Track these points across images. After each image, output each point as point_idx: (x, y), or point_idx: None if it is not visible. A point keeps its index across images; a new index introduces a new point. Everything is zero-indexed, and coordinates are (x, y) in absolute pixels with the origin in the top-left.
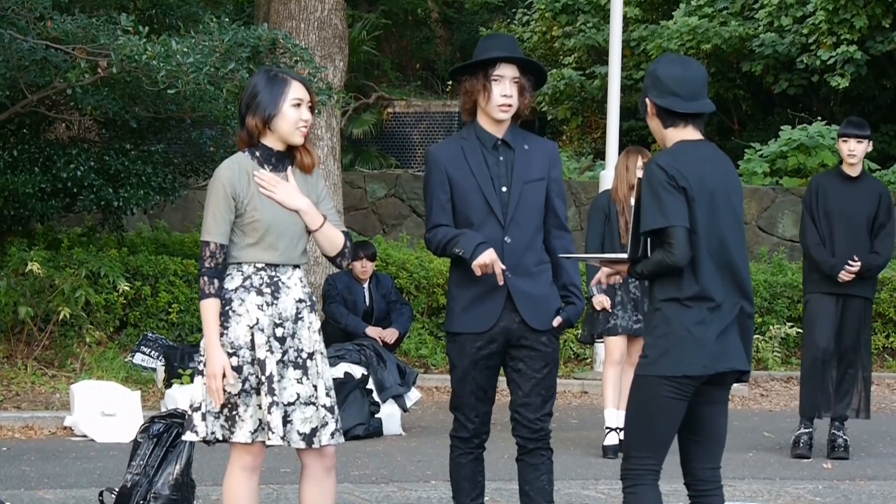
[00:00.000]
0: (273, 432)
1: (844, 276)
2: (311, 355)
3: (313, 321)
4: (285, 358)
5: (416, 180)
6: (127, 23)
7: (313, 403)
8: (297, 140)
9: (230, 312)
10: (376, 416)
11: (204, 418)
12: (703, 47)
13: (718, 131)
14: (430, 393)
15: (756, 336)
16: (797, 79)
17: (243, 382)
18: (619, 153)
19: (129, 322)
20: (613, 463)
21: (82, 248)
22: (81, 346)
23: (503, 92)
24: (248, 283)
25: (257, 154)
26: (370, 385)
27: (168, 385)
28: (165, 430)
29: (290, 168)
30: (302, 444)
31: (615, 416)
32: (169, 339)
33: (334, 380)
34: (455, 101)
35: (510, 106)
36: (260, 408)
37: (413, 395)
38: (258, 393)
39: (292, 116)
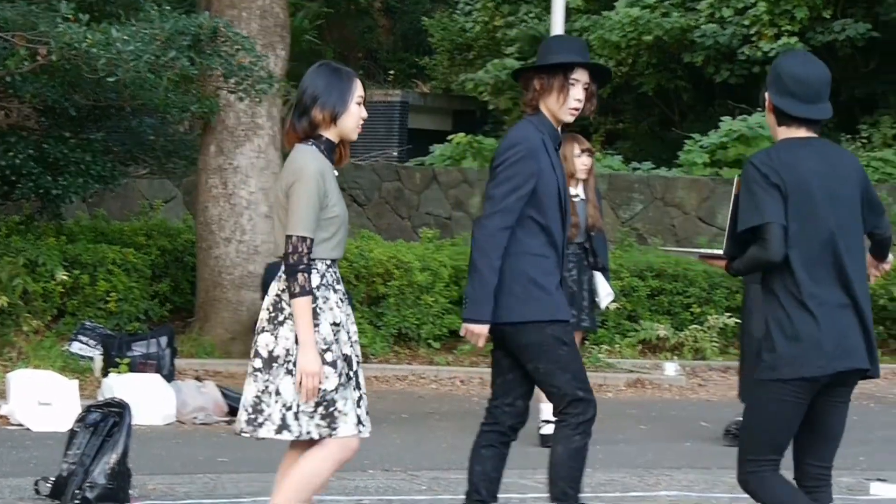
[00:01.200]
0: (364, 425)
1: None
2: (353, 344)
3: (350, 312)
4: (355, 349)
5: (357, 170)
6: (67, 10)
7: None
8: (355, 136)
9: (317, 310)
10: None
11: (297, 417)
12: (645, 38)
13: (659, 122)
14: (368, 382)
15: (694, 326)
16: (738, 70)
17: (339, 377)
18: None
19: (67, 311)
20: (541, 454)
21: (20, 236)
22: (19, 335)
23: (577, 96)
24: (325, 280)
25: (322, 148)
26: None
27: (105, 374)
28: (102, 420)
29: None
30: (367, 433)
31: (550, 409)
32: (107, 328)
33: None
34: (397, 91)
35: (579, 110)
36: (354, 402)
37: None
38: (352, 387)
39: (356, 113)
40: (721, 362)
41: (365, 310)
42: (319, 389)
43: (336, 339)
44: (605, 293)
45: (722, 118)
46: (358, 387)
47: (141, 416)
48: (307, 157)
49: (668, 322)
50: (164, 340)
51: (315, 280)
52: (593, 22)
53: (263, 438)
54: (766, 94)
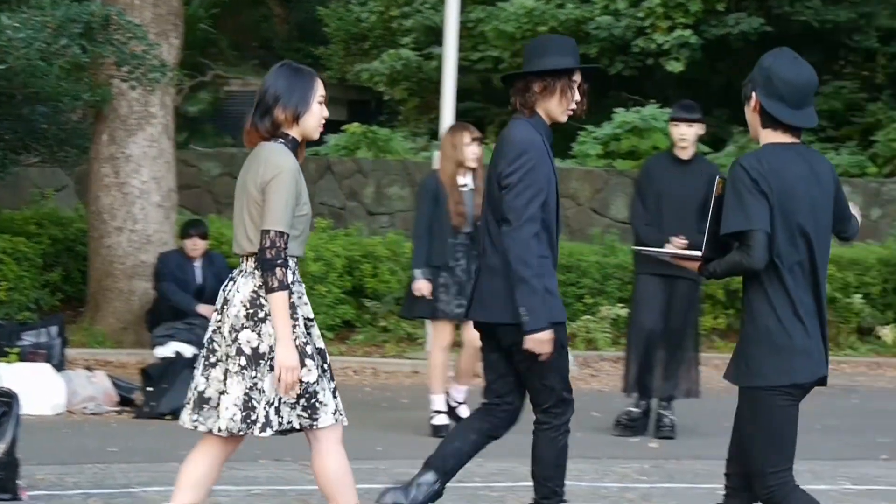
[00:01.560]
0: (342, 414)
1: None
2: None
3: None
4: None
5: None
6: None
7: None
8: (317, 136)
9: (293, 305)
10: None
11: (278, 412)
12: (540, 29)
13: None
14: None
15: (587, 317)
16: (632, 62)
17: (319, 369)
18: (445, 133)
19: None
20: (431, 443)
21: None
22: None
23: (576, 98)
24: (294, 277)
25: (289, 147)
26: None
27: None
28: None
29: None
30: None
31: (442, 400)
32: None
33: (164, 359)
34: None
35: (575, 110)
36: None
37: None
38: (328, 378)
39: (318, 113)
40: (613, 353)
41: None
42: (301, 382)
43: (309, 333)
44: None
45: (615, 110)
46: (332, 378)
47: (30, 405)
48: (283, 154)
49: None
50: (54, 330)
51: (289, 277)
52: (488, 13)
53: (261, 437)
54: (752, 93)
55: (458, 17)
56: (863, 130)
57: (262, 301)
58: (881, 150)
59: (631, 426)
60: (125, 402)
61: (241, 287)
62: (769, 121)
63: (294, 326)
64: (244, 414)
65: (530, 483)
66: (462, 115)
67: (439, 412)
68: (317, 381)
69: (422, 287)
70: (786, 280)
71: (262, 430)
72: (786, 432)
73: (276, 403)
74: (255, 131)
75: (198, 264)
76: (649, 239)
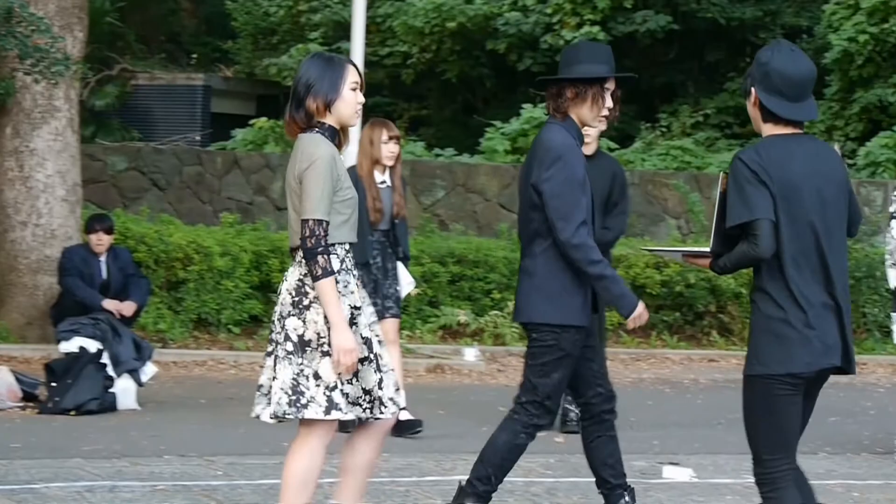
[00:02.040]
0: (386, 406)
1: None
2: (370, 325)
3: (365, 295)
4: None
5: (158, 153)
6: None
7: (392, 369)
8: (355, 121)
9: (340, 292)
10: (110, 390)
11: (346, 395)
12: (449, 25)
13: (463, 108)
14: (166, 367)
15: (495, 312)
16: (541, 58)
17: (364, 360)
18: (363, 127)
19: None
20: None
21: None
22: None
23: (608, 104)
24: (344, 265)
25: (327, 134)
26: (105, 359)
27: None
28: None
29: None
30: (394, 409)
31: None
32: None
33: (68, 355)
34: (200, 75)
35: (608, 117)
36: (351, 384)
37: (149, 370)
38: (370, 370)
39: (351, 99)
40: (520, 348)
41: (164, 294)
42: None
43: (356, 323)
44: (406, 282)
45: (523, 106)
46: (379, 369)
47: None
48: (318, 143)
49: (469, 308)
50: None
51: (336, 264)
52: (397, 8)
53: (311, 419)
54: (752, 88)
55: (366, 12)
56: None
57: (307, 289)
58: None
59: (573, 421)
60: (29, 397)
61: (289, 276)
62: (769, 115)
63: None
64: (292, 398)
65: (436, 478)
66: (370, 111)
67: None
68: (339, 374)
69: None
70: (786, 270)
71: (327, 412)
72: (783, 421)
73: (339, 387)
74: (294, 123)
75: (103, 259)
76: None
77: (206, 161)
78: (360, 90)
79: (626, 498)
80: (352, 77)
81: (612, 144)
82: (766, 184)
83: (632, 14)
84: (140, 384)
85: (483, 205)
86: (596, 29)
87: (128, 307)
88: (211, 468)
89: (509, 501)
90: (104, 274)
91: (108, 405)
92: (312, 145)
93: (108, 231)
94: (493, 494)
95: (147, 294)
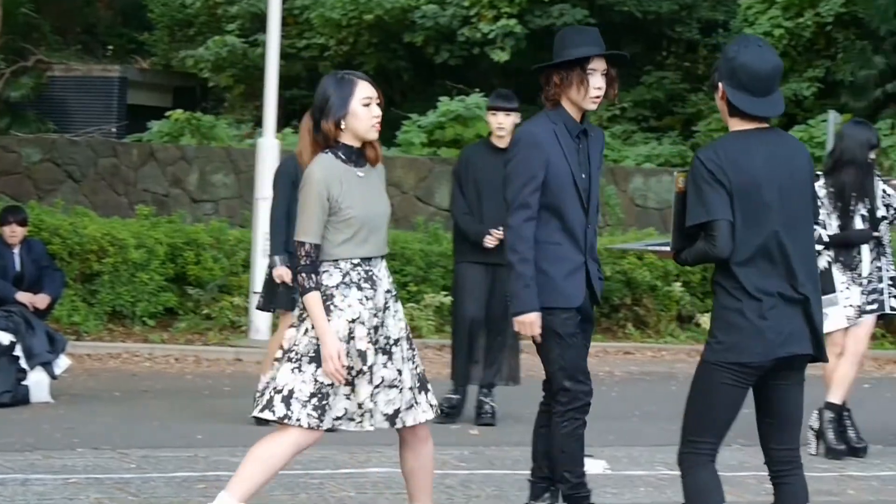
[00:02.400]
0: (373, 417)
1: (490, 241)
2: (396, 341)
3: (398, 310)
4: (377, 346)
5: (73, 145)
6: None
7: (396, 386)
8: (373, 136)
9: (331, 307)
10: (23, 383)
11: (288, 403)
12: (366, 17)
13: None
14: (80, 360)
15: (411, 304)
16: (458, 51)
17: (361, 373)
18: (278, 121)
19: None
20: (262, 430)
21: None
22: None
23: (597, 84)
24: (347, 279)
25: (340, 154)
26: (18, 352)
27: None
28: None
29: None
30: (385, 425)
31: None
32: None
33: None
34: (116, 66)
35: (600, 97)
36: (348, 398)
37: (62, 363)
38: (348, 385)
39: (364, 115)
40: (437, 340)
41: (78, 287)
42: (316, 380)
43: (353, 336)
44: None
45: (440, 98)
46: (372, 381)
47: None
48: (314, 166)
49: None
50: None
51: (334, 279)
52: (314, 0)
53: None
54: (720, 83)
55: (283, 3)
56: (684, 121)
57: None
58: (702, 140)
59: (450, 413)
60: None
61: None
62: (735, 110)
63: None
64: (284, 401)
65: (350, 470)
66: (288, 103)
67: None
68: (332, 384)
69: (282, 274)
70: (743, 266)
71: (262, 410)
72: (720, 407)
73: (285, 393)
74: (316, 144)
75: (16, 251)
76: (469, 228)
77: (122, 153)
78: (377, 104)
79: (548, 494)
80: (362, 92)
81: None
82: (723, 183)
83: (549, 7)
84: (53, 377)
85: (400, 197)
86: (513, 22)
87: (41, 300)
88: (124, 461)
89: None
90: (17, 266)
91: (20, 398)
92: (310, 168)
93: (22, 223)
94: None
95: (61, 286)
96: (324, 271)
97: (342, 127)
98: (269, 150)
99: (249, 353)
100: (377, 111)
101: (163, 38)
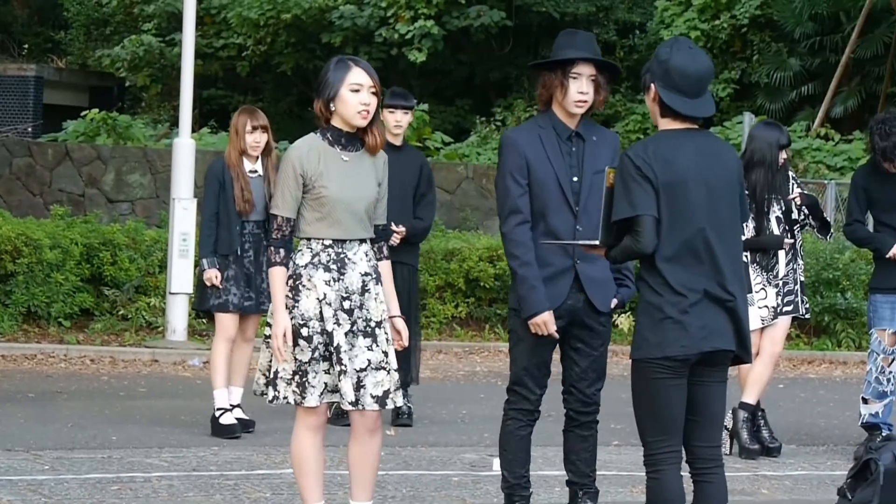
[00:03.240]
0: (344, 398)
1: (395, 239)
2: (379, 323)
3: (380, 293)
4: (354, 328)
5: None
6: None
7: (384, 368)
8: (359, 122)
9: (300, 287)
10: None
11: (274, 384)
12: (283, 17)
13: (298, 101)
14: None
15: None
16: (376, 52)
17: (313, 351)
18: (194, 121)
19: None
20: (167, 432)
21: None
22: None
23: (580, 89)
24: (316, 259)
25: (328, 135)
26: None
27: None
28: None
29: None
30: (375, 406)
31: (226, 396)
32: None
33: None
34: (31, 65)
35: (585, 102)
36: (328, 373)
37: None
38: (326, 360)
39: (351, 100)
40: None
41: None
42: (296, 360)
43: (319, 316)
44: None
45: None
46: (340, 362)
47: None
48: (293, 145)
49: None
50: None
51: (304, 258)
52: None
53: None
54: (652, 84)
55: (198, 3)
56: (601, 122)
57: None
58: (620, 141)
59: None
60: None
61: None
62: (668, 111)
63: (294, 305)
64: (267, 380)
65: (266, 471)
66: (205, 103)
67: (224, 409)
68: (309, 362)
69: (211, 276)
70: (668, 262)
71: (257, 394)
72: (664, 404)
73: (269, 374)
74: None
75: None
76: None
77: (37, 153)
78: (371, 92)
79: (582, 496)
80: (354, 78)
81: (447, 138)
82: (650, 179)
83: (466, 9)
84: None
85: None
86: (430, 23)
87: None
88: (37, 462)
89: (339, 494)
90: None
91: None
92: (293, 144)
93: None
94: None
95: None
96: (298, 250)
97: (332, 109)
98: (184, 149)
99: (166, 354)
100: (367, 99)
101: (79, 37)
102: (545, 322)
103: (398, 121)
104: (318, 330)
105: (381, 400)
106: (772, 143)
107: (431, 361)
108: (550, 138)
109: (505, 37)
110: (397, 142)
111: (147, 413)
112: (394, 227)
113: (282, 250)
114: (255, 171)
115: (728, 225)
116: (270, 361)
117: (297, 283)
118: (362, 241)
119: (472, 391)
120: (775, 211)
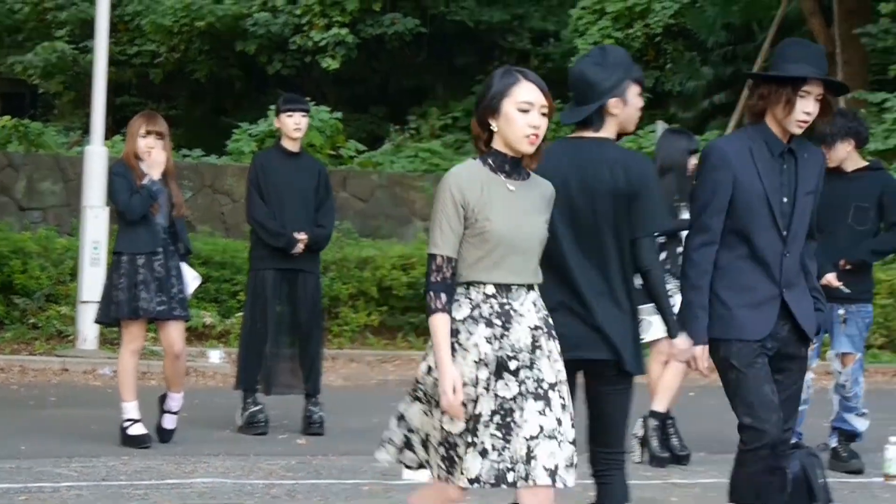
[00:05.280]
0: (464, 473)
1: (299, 248)
2: (553, 385)
3: (553, 350)
4: (523, 389)
5: None
6: None
7: (556, 438)
8: (526, 148)
9: (456, 346)
10: None
11: (411, 446)
12: (198, 24)
13: (213, 109)
14: None
15: (241, 314)
16: (290, 59)
17: (466, 422)
18: (107, 128)
19: None
20: (76, 442)
21: None
22: None
23: (806, 109)
24: (476, 312)
25: (490, 160)
26: None
27: None
28: None
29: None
30: (548, 480)
31: (135, 407)
32: None
33: None
34: None
35: (808, 123)
36: (483, 455)
37: None
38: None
39: (519, 121)
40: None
41: None
42: (443, 428)
43: (475, 381)
44: (191, 277)
45: (271, 107)
46: (474, 433)
47: None
48: (451, 171)
49: (215, 310)
50: None
51: (462, 312)
52: (146, 6)
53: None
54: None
55: (113, 10)
56: None
57: None
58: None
59: (263, 424)
60: None
61: None
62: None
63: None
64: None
65: (176, 480)
66: (118, 110)
67: (133, 421)
68: (460, 434)
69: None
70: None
71: (393, 455)
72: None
73: (420, 436)
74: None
75: None
76: (278, 233)
77: None
78: (541, 113)
79: None
80: (523, 95)
81: (361, 146)
82: None
83: (380, 17)
84: None
85: (231, 206)
86: (344, 31)
87: None
88: None
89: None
90: None
91: None
92: (450, 170)
93: None
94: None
95: None
96: (454, 300)
97: (493, 129)
98: (97, 157)
99: (76, 363)
100: (537, 121)
101: None
102: (697, 356)
103: (297, 124)
104: (474, 397)
105: (552, 474)
106: (682, 150)
107: (343, 370)
108: (762, 153)
109: (419, 45)
110: (296, 147)
111: (57, 422)
112: (296, 235)
113: (443, 295)
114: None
115: (597, 237)
116: (401, 417)
117: (453, 340)
118: (530, 287)
119: (384, 400)
120: (685, 213)
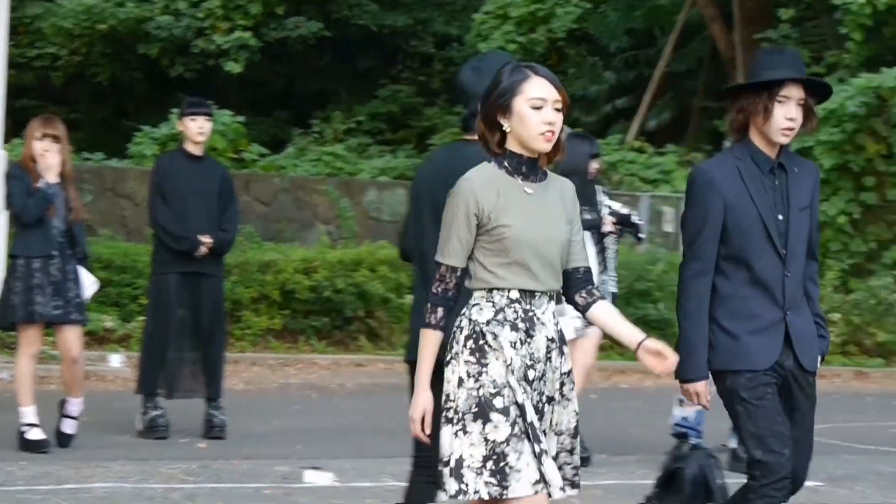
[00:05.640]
0: (551, 485)
1: (203, 251)
2: (550, 400)
3: (558, 367)
4: (534, 400)
5: None
6: None
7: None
8: (542, 146)
9: (486, 347)
10: None
11: (459, 475)
12: (99, 27)
13: (114, 112)
14: None
15: (142, 318)
16: (193, 63)
17: (512, 426)
18: (7, 132)
19: None
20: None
21: None
22: None
23: (787, 115)
24: (501, 315)
25: (505, 163)
26: None
27: None
28: None
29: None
30: (574, 492)
31: (32, 412)
32: None
33: None
34: None
35: (792, 130)
36: (534, 454)
37: None
38: (528, 438)
39: (532, 119)
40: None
41: None
42: (487, 441)
43: (508, 384)
44: (89, 282)
45: (173, 111)
46: (537, 439)
47: None
48: (466, 176)
49: (116, 314)
50: None
51: (486, 314)
52: (46, 9)
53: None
54: None
55: (13, 11)
56: (419, 134)
57: (453, 342)
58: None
59: (164, 429)
60: None
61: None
62: None
63: (482, 371)
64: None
65: (74, 486)
66: (18, 113)
67: (32, 425)
68: (506, 441)
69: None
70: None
71: (448, 491)
72: None
73: (451, 464)
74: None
75: None
76: (181, 237)
77: None
78: (555, 108)
79: None
80: (535, 91)
81: (264, 150)
82: (414, 196)
83: (283, 20)
84: None
85: (132, 210)
86: (248, 34)
87: None
88: None
89: None
90: None
91: None
92: (465, 174)
93: None
94: None
95: None
96: (474, 304)
97: (506, 129)
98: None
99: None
100: (552, 117)
101: None
102: (699, 392)
103: (201, 128)
104: (513, 401)
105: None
106: (583, 154)
107: (245, 374)
108: (751, 171)
109: (323, 48)
110: (199, 151)
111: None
112: (201, 238)
113: (440, 310)
114: (55, 182)
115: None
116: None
117: (482, 342)
118: (551, 296)
119: (286, 404)
120: (584, 215)
